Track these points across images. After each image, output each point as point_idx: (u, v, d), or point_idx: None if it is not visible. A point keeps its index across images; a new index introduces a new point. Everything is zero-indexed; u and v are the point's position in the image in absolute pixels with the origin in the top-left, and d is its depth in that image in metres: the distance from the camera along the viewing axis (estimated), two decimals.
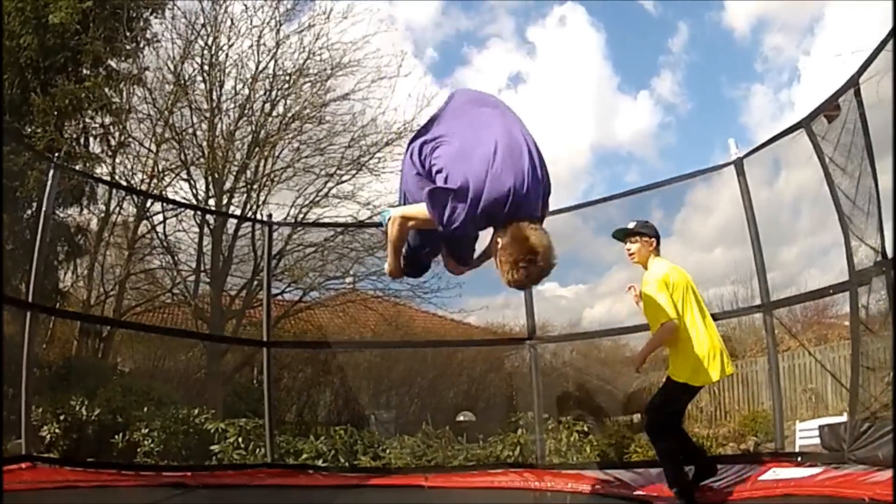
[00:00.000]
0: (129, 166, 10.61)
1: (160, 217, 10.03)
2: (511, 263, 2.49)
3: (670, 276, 4.13)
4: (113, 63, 10.73)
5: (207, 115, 10.44)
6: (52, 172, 5.69)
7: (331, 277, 10.36)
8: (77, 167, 9.64)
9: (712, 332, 4.16)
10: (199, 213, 9.96)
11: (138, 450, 7.19)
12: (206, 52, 10.52)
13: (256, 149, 10.52)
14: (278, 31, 10.69)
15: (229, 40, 10.59)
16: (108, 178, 10.25)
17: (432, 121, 2.86)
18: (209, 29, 10.53)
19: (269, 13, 10.66)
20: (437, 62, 24.52)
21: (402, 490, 5.63)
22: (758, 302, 5.77)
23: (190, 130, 10.45)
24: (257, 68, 10.59)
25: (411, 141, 2.86)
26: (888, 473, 3.60)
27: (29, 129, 9.67)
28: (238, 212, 10.43)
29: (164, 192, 10.35)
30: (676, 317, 4.02)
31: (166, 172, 10.53)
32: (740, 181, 5.61)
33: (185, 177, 10.48)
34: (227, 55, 10.60)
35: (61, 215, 9.75)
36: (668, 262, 4.29)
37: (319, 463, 6.92)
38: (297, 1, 10.99)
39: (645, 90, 28.99)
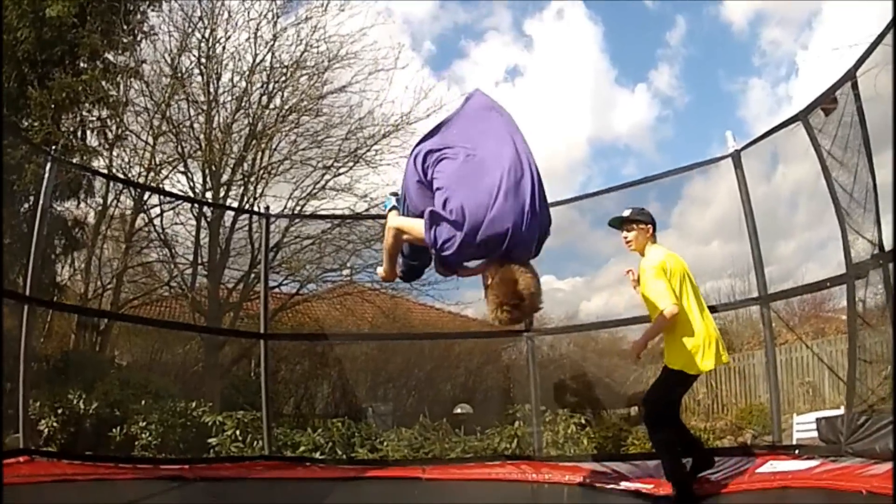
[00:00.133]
0: (126, 159, 10.60)
1: (157, 210, 10.03)
2: (497, 304, 2.54)
3: (667, 262, 4.13)
4: (110, 56, 10.72)
5: (204, 107, 10.44)
6: (49, 165, 5.70)
7: (328, 270, 10.38)
8: (74, 160, 9.60)
9: (708, 321, 4.15)
10: (196, 205, 9.95)
11: (136, 443, 7.22)
12: (203, 44, 10.52)
13: (253, 141, 10.50)
14: (275, 24, 10.69)
15: (226, 33, 10.59)
16: (105, 171, 10.22)
17: (442, 124, 2.85)
18: (206, 22, 10.53)
19: (266, 6, 10.66)
20: (434, 55, 24.48)
21: (399, 482, 5.66)
22: (755, 295, 5.76)
23: (187, 123, 10.45)
24: (254, 61, 10.59)
25: (419, 143, 2.85)
26: (885, 466, 3.62)
27: (26, 123, 9.65)
28: (235, 204, 10.45)
29: (161, 185, 10.33)
30: (676, 302, 4.01)
31: (163, 165, 10.51)
32: (737, 174, 5.60)
33: (182, 169, 10.47)
34: (224, 48, 10.60)
35: (58, 209, 9.74)
36: (665, 249, 4.28)
37: (317, 455, 6.93)
38: None
39: (642, 83, 29.00)
